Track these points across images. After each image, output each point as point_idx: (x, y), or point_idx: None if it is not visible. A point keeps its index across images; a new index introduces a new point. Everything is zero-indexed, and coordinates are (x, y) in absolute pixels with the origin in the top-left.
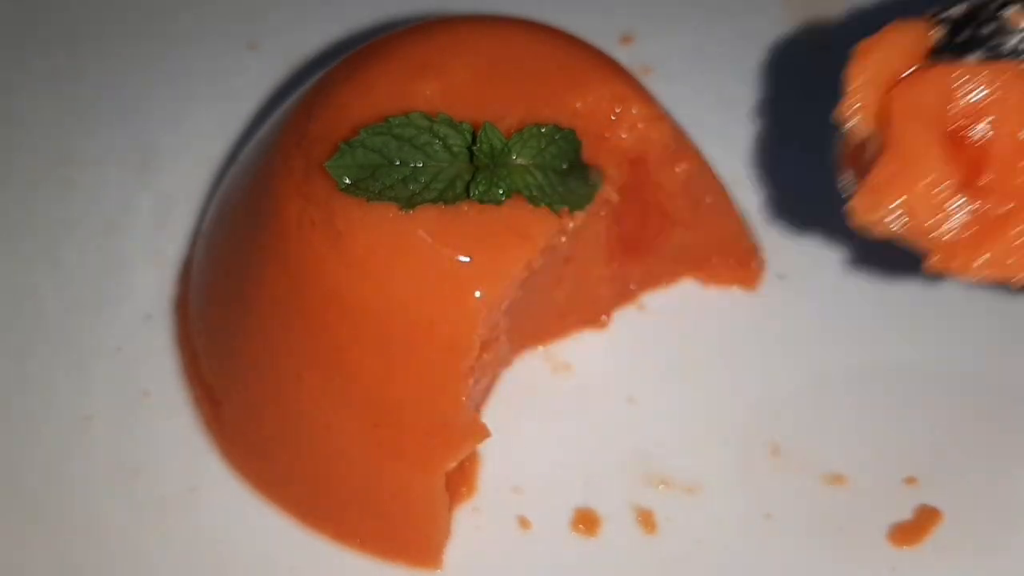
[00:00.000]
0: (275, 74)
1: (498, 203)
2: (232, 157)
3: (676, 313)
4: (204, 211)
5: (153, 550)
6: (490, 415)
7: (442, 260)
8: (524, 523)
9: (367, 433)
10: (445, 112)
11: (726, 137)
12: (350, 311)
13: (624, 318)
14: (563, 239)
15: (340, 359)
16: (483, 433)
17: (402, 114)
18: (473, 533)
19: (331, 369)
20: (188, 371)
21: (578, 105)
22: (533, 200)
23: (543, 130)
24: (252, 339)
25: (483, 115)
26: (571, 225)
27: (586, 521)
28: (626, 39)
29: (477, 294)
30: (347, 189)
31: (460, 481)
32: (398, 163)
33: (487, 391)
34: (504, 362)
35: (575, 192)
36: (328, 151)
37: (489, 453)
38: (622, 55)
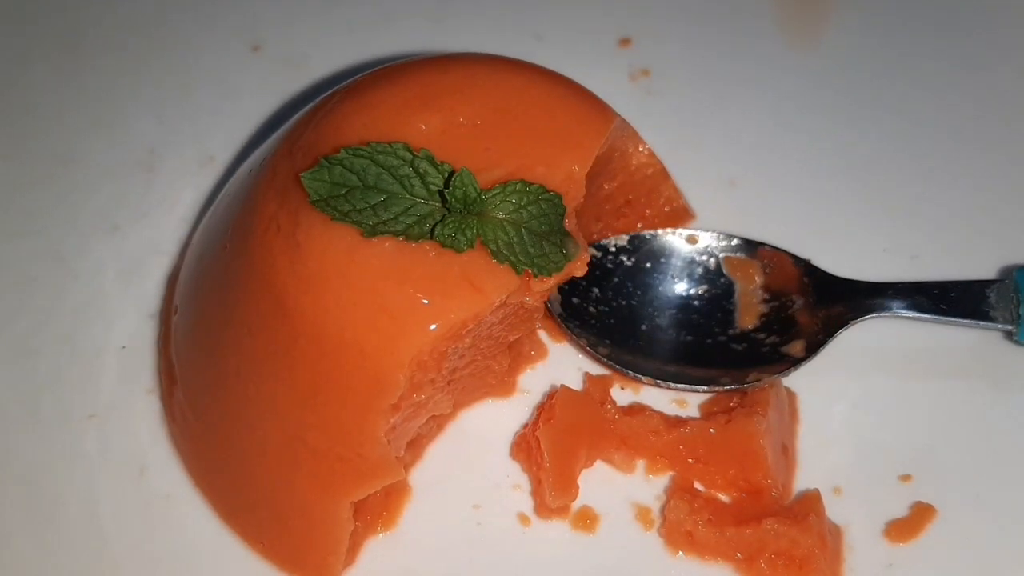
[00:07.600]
0: (278, 77)
1: (458, 251)
2: (235, 158)
3: None
4: (208, 208)
5: (159, 546)
6: (487, 410)
7: (386, 294)
8: (524, 520)
9: (285, 444)
10: (439, 150)
11: (723, 138)
12: (290, 322)
13: None
14: (527, 299)
15: (274, 365)
16: (395, 472)
17: (391, 142)
18: (474, 529)
19: (264, 373)
20: (162, 343)
21: (575, 169)
22: (497, 255)
23: (529, 188)
24: (207, 327)
25: (475, 160)
26: (534, 288)
27: (585, 518)
28: (624, 42)
29: (413, 335)
30: (316, 203)
31: (379, 512)
32: (373, 189)
33: (435, 430)
34: (445, 408)
35: (546, 256)
36: (312, 162)
37: (489, 451)
38: (621, 58)
